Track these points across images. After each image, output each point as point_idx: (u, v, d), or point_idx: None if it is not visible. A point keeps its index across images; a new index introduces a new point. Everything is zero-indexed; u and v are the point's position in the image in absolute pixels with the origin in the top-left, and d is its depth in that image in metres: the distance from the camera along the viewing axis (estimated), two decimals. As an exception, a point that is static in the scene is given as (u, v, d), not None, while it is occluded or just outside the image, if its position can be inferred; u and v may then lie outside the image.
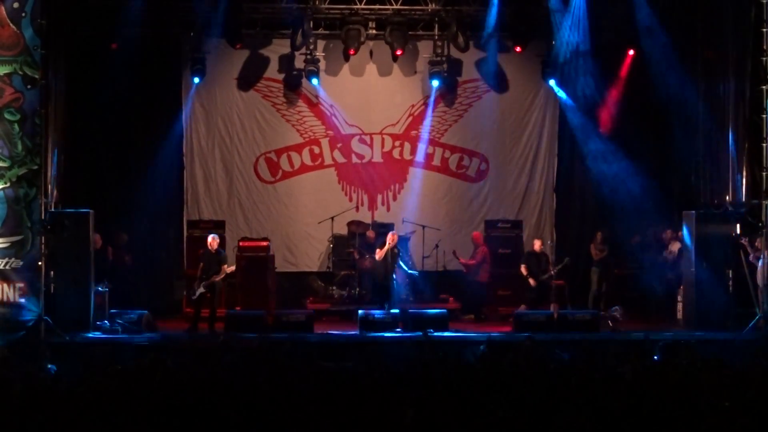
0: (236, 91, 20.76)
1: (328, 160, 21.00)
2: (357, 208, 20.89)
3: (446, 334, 16.93)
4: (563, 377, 8.51)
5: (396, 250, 18.28)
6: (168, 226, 20.66)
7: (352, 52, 19.75)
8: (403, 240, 19.38)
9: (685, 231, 18.22)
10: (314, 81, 20.28)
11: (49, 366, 13.19)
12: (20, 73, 16.44)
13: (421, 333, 16.28)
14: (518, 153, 21.14)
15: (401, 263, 18.73)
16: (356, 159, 20.98)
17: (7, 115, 16.42)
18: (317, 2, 19.66)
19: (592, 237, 19.78)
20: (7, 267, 16.28)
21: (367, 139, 21.02)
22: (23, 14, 16.38)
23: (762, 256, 17.16)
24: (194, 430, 7.35)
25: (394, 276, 18.26)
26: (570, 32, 19.36)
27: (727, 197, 18.20)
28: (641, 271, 19.62)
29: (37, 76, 16.44)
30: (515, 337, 16.44)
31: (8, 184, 16.40)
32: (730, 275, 17.72)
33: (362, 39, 19.70)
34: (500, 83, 21.03)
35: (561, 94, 20.61)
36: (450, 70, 20.47)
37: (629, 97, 20.39)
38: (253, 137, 20.82)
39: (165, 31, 19.84)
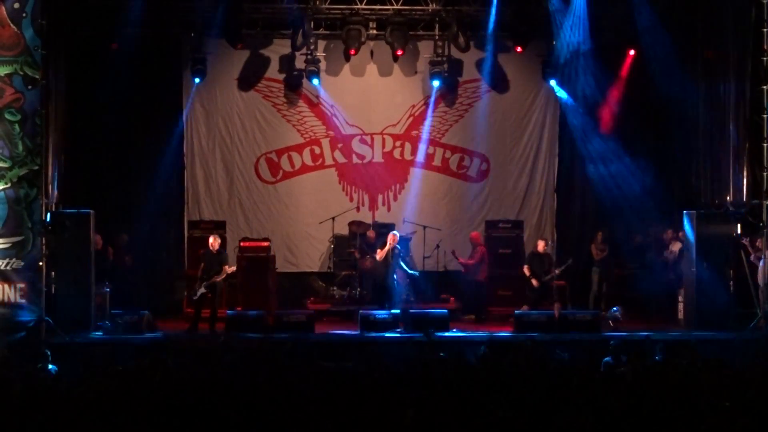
0: (237, 92, 20.76)
1: (328, 161, 21.00)
2: (358, 208, 20.89)
3: (447, 334, 16.92)
4: (564, 377, 8.51)
5: (397, 251, 18.29)
6: (168, 227, 20.67)
7: (352, 52, 19.75)
8: (403, 240, 19.37)
9: (688, 228, 18.17)
10: (315, 81, 20.28)
11: (50, 366, 13.21)
12: (21, 73, 16.45)
13: (421, 333, 16.28)
14: (519, 153, 21.13)
15: (402, 263, 18.72)
16: (357, 159, 20.98)
17: (7, 116, 16.43)
18: (318, 2, 19.66)
19: (593, 237, 19.78)
20: (8, 267, 16.29)
21: (368, 139, 21.02)
22: (24, 14, 16.40)
23: (763, 256, 17.16)
24: (194, 430, 7.35)
25: (395, 276, 18.27)
26: (570, 32, 19.35)
27: (728, 197, 18.19)
28: (642, 271, 19.63)
29: (37, 77, 16.46)
30: (516, 338, 16.45)
31: (9, 185, 16.41)
32: (731, 275, 17.71)
33: (363, 39, 19.70)
34: (501, 83, 21.03)
35: (562, 94, 20.61)
36: (450, 71, 20.46)
37: (630, 97, 20.39)
38: (253, 137, 20.83)
39: (165, 31, 19.85)
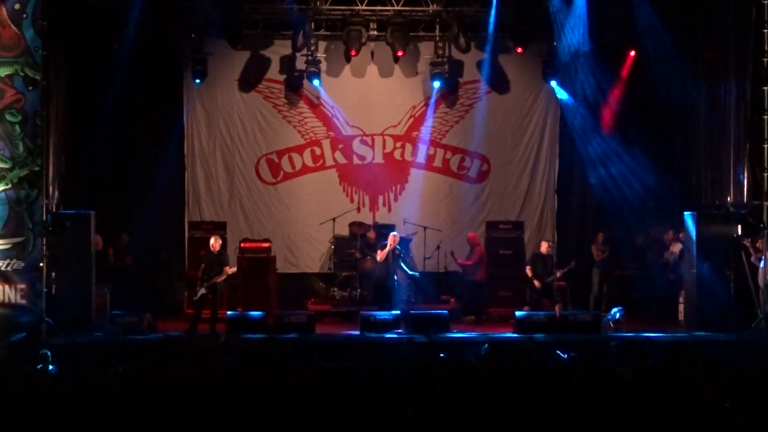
0: (237, 92, 20.78)
1: (329, 161, 21.01)
2: (358, 209, 20.91)
3: (448, 335, 16.92)
4: (564, 378, 8.51)
5: (397, 251, 18.30)
6: (169, 227, 20.70)
7: (353, 53, 19.76)
8: (404, 241, 19.40)
9: (688, 229, 18.13)
10: (315, 82, 20.30)
11: (50, 367, 13.20)
12: (21, 74, 16.44)
13: (422, 334, 16.29)
14: (519, 154, 21.14)
15: (402, 264, 18.74)
16: (357, 160, 20.99)
17: (8, 117, 16.43)
18: (318, 3, 19.67)
19: (593, 238, 19.79)
20: (9, 268, 16.28)
21: (369, 140, 21.03)
22: (24, 15, 16.38)
23: (763, 257, 17.16)
24: (195, 430, 7.36)
25: (395, 277, 18.28)
26: (571, 33, 19.37)
27: (729, 198, 18.19)
28: (642, 272, 19.65)
29: (38, 78, 16.44)
30: (517, 338, 16.46)
31: (9, 186, 16.40)
32: (732, 276, 17.71)
33: (363, 40, 19.71)
34: (501, 84, 21.05)
35: (562, 94, 20.63)
36: (451, 71, 20.48)
37: (630, 97, 20.41)
38: (254, 138, 20.84)
39: (166, 32, 19.87)
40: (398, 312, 17.55)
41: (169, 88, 20.52)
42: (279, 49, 20.60)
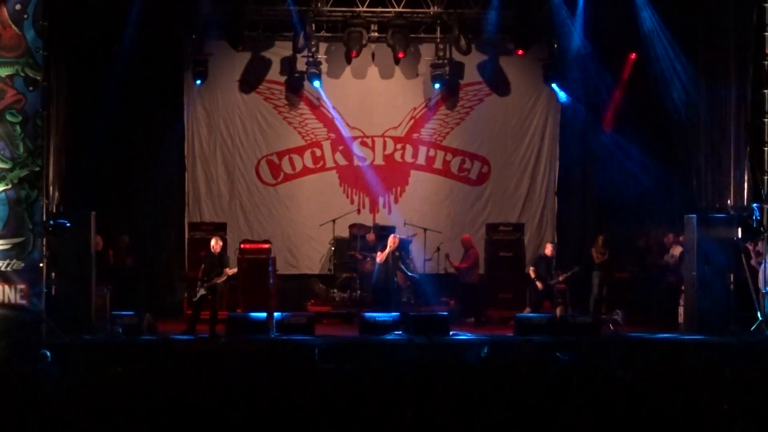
0: (238, 94, 20.78)
1: (329, 163, 21.02)
2: (358, 210, 20.91)
3: (448, 337, 16.92)
4: (564, 380, 8.51)
5: (397, 253, 18.30)
6: (169, 228, 20.70)
7: (354, 54, 19.76)
8: (404, 243, 19.41)
9: (691, 228, 18.09)
10: (316, 83, 20.29)
11: (50, 367, 13.20)
12: (22, 74, 16.43)
13: (422, 336, 16.30)
14: (520, 156, 21.14)
15: (402, 266, 18.75)
16: (358, 161, 20.98)
17: (8, 117, 16.41)
18: (319, 5, 19.66)
19: (594, 240, 19.78)
20: (9, 269, 16.26)
21: (369, 141, 21.03)
22: (25, 16, 16.37)
23: (764, 260, 17.16)
24: (195, 431, 7.36)
25: (395, 279, 18.28)
26: (572, 35, 19.38)
27: (729, 201, 18.19)
28: (642, 275, 19.66)
29: (38, 78, 16.42)
30: (517, 340, 16.46)
31: (10, 186, 16.38)
32: (732, 279, 17.70)
33: (364, 41, 19.70)
34: (502, 86, 21.05)
35: (563, 97, 20.62)
36: (452, 73, 20.46)
37: (631, 100, 20.40)
38: (254, 139, 20.85)
39: (167, 33, 19.87)
40: (398, 314, 17.53)
41: (170, 89, 20.52)
42: (280, 51, 20.61)
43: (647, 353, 13.75)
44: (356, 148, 20.97)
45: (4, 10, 16.37)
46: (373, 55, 20.60)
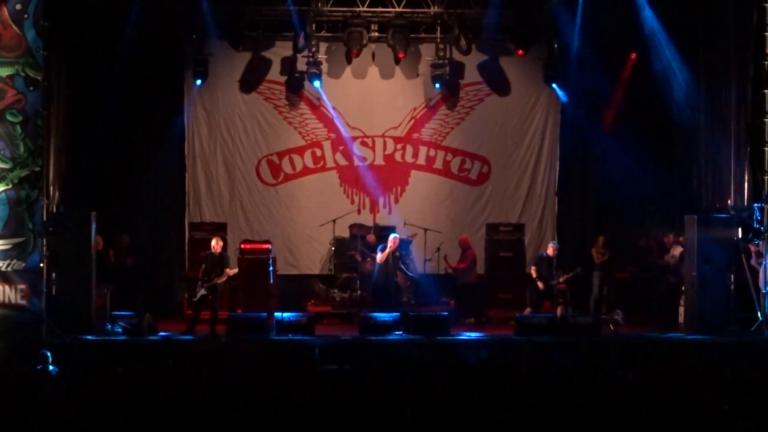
0: (238, 94, 20.78)
1: (329, 163, 21.01)
2: (359, 210, 20.90)
3: (448, 337, 16.92)
4: (564, 380, 8.51)
5: (397, 253, 18.29)
6: (170, 228, 20.70)
7: (354, 54, 19.75)
8: (404, 243, 19.40)
9: (691, 228, 18.07)
10: (316, 83, 20.29)
11: (51, 368, 13.21)
12: (22, 74, 16.42)
13: (421, 336, 16.31)
14: (520, 156, 21.14)
15: (403, 266, 18.74)
16: (358, 162, 20.98)
17: (9, 117, 16.41)
18: (319, 5, 19.66)
19: (594, 241, 19.77)
20: (9, 269, 16.25)
21: (369, 141, 21.03)
22: (26, 16, 16.36)
23: (764, 260, 17.16)
24: (195, 431, 7.36)
25: (396, 279, 18.28)
26: (572, 35, 19.39)
27: (729, 201, 18.19)
28: (643, 275, 19.66)
29: (39, 78, 16.42)
30: (517, 340, 16.45)
31: (10, 186, 16.37)
32: (732, 279, 17.70)
33: (364, 41, 19.69)
34: (502, 86, 21.04)
35: (563, 97, 20.62)
36: (452, 73, 20.46)
37: (631, 100, 20.40)
38: (255, 139, 20.85)
39: (167, 33, 19.85)
40: (398, 314, 17.52)
41: (170, 89, 20.51)
42: (280, 51, 20.60)
43: (647, 353, 13.74)
44: (356, 148, 20.96)
45: (5, 10, 16.36)
46: (373, 55, 20.60)
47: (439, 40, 20.35)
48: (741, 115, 18.06)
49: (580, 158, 21.10)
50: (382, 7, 19.88)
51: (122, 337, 16.56)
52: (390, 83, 20.93)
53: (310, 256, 20.83)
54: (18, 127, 16.40)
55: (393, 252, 18.12)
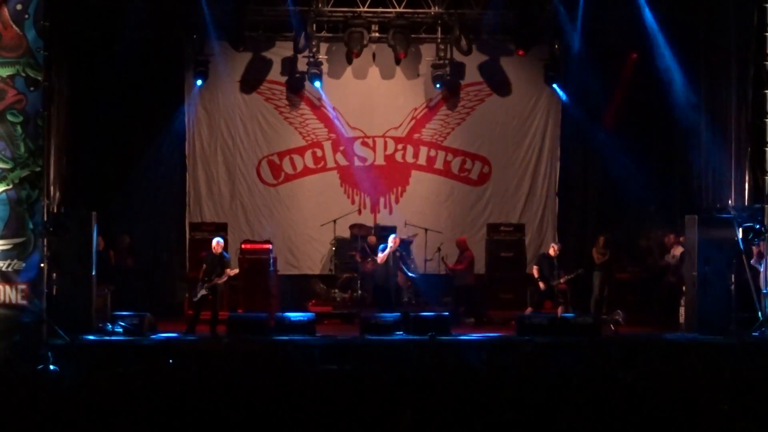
0: (239, 94, 20.78)
1: (330, 163, 21.01)
2: (359, 211, 20.90)
3: (448, 337, 16.91)
4: (565, 380, 8.52)
5: (398, 253, 18.29)
6: (170, 229, 20.69)
7: (354, 54, 19.77)
8: (405, 243, 19.41)
9: (692, 228, 18.07)
10: (317, 84, 20.30)
11: (51, 367, 13.21)
12: (23, 74, 16.43)
13: (422, 336, 16.30)
14: (521, 156, 21.14)
15: (403, 266, 18.75)
16: (358, 162, 20.98)
17: (9, 117, 16.42)
18: (320, 5, 19.66)
19: (595, 241, 19.77)
20: (10, 269, 16.27)
21: (370, 141, 21.03)
22: (26, 16, 16.37)
23: (764, 261, 17.16)
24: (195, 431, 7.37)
25: (396, 279, 18.28)
26: (573, 36, 19.39)
27: (730, 201, 18.19)
28: (643, 275, 19.67)
29: (39, 78, 16.42)
30: (518, 341, 16.45)
31: (11, 186, 16.38)
32: (733, 279, 17.70)
33: (365, 42, 19.69)
34: (503, 87, 21.05)
35: (564, 97, 20.62)
36: (453, 74, 20.46)
37: (632, 100, 20.40)
38: (255, 140, 20.85)
39: (168, 33, 19.83)
40: (399, 314, 17.52)
41: (171, 90, 20.51)
42: (280, 51, 20.61)
43: (648, 354, 13.73)
44: (357, 148, 20.97)
45: (5, 10, 16.37)
46: (374, 56, 20.60)
47: (439, 40, 20.36)
48: (741, 115, 18.07)
49: (580, 158, 21.10)
50: (383, 8, 19.88)
51: (123, 338, 16.57)
52: (390, 83, 20.93)
53: (311, 256, 20.83)
54: (18, 128, 16.40)
55: (393, 252, 18.12)
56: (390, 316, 17.41)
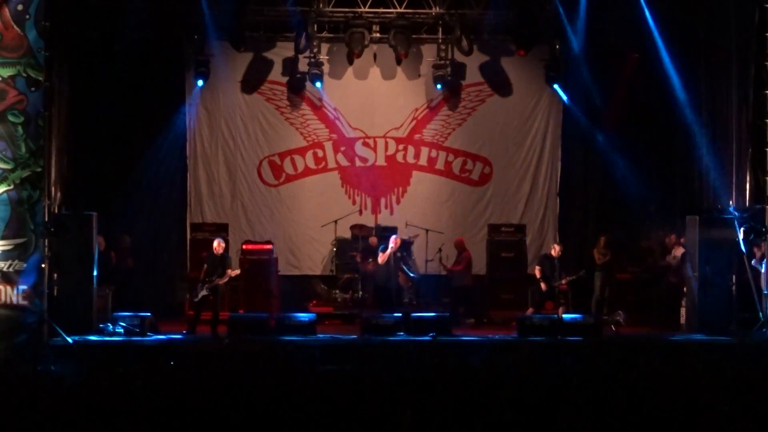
0: (240, 94, 20.78)
1: (331, 164, 21.01)
2: (360, 211, 20.90)
3: (449, 337, 16.91)
4: (565, 381, 8.52)
5: (399, 254, 18.29)
6: (171, 229, 20.69)
7: (355, 55, 19.77)
8: (406, 244, 19.41)
9: (693, 229, 18.07)
10: (318, 84, 20.30)
11: (52, 368, 13.20)
12: (24, 75, 16.43)
13: (423, 336, 16.30)
14: (522, 157, 21.13)
15: (404, 267, 18.75)
16: (360, 162, 20.98)
17: (10, 117, 16.42)
18: (321, 5, 19.67)
19: (595, 241, 19.77)
20: (10, 269, 16.26)
21: (371, 142, 21.03)
22: (27, 16, 16.37)
23: (765, 261, 17.16)
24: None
25: (397, 279, 18.28)
26: (574, 36, 19.39)
27: (731, 202, 18.19)
28: (644, 276, 19.67)
29: (40, 78, 16.42)
30: (519, 341, 16.46)
31: (12, 187, 16.38)
32: (733, 280, 17.70)
33: (366, 42, 19.69)
34: (504, 87, 21.04)
35: (564, 98, 20.62)
36: (454, 74, 20.45)
37: (633, 101, 20.40)
38: (256, 140, 20.85)
39: (168, 34, 19.83)
40: (399, 314, 17.52)
41: (171, 90, 20.50)
42: (281, 51, 20.60)
43: (649, 354, 13.72)
44: (358, 148, 20.97)
45: (6, 10, 16.37)
46: (374, 56, 20.61)
47: (440, 40, 20.36)
48: (742, 115, 18.08)
49: (581, 159, 21.10)
50: (384, 8, 19.89)
51: (123, 338, 16.57)
52: (391, 84, 20.93)
53: (312, 256, 20.83)
54: (19, 128, 16.40)
55: (394, 253, 18.12)
56: (391, 316, 17.40)
